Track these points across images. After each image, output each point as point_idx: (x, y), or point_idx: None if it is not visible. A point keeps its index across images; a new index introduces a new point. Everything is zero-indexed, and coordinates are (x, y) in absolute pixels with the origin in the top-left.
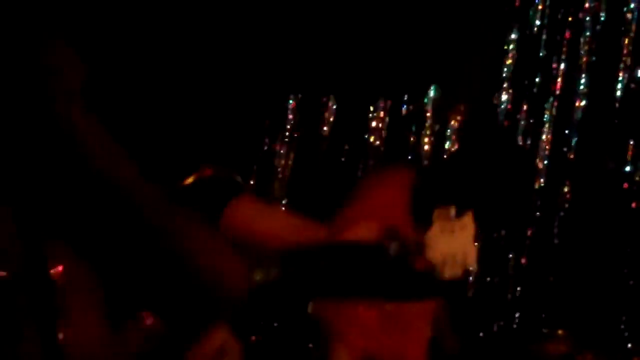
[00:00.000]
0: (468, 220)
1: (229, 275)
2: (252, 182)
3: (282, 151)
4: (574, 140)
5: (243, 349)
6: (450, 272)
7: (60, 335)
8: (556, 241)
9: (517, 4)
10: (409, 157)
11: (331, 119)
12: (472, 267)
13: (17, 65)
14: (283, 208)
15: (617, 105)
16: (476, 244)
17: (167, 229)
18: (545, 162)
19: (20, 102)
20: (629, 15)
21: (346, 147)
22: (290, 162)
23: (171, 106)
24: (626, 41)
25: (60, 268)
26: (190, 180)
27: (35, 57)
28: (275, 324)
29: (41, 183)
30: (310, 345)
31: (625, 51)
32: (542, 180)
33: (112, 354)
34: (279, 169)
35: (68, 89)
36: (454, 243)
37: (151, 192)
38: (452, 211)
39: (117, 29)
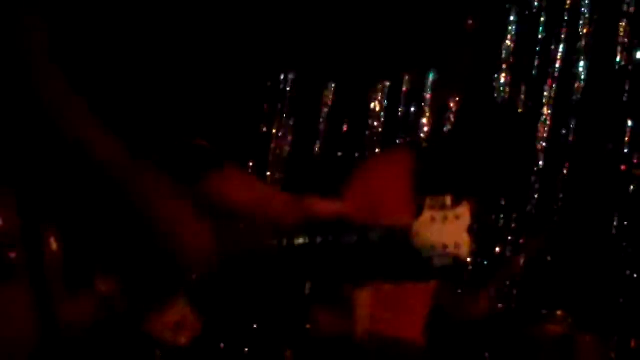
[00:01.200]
0: (464, 210)
1: (192, 245)
2: (250, 163)
3: (280, 132)
4: (572, 122)
5: (202, 323)
6: (439, 261)
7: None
8: (554, 222)
9: None
10: (409, 139)
11: (329, 101)
12: (464, 258)
13: None
14: (262, 182)
15: (615, 87)
16: (470, 234)
17: (132, 188)
18: (544, 143)
19: None
20: None
21: (345, 128)
22: (288, 143)
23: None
24: (624, 23)
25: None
26: (167, 148)
27: (6, 18)
28: (236, 300)
29: (11, 139)
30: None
31: (623, 33)
32: (540, 161)
33: (70, 315)
34: (277, 150)
35: (37, 47)
36: (445, 232)
37: (117, 149)
38: (448, 200)
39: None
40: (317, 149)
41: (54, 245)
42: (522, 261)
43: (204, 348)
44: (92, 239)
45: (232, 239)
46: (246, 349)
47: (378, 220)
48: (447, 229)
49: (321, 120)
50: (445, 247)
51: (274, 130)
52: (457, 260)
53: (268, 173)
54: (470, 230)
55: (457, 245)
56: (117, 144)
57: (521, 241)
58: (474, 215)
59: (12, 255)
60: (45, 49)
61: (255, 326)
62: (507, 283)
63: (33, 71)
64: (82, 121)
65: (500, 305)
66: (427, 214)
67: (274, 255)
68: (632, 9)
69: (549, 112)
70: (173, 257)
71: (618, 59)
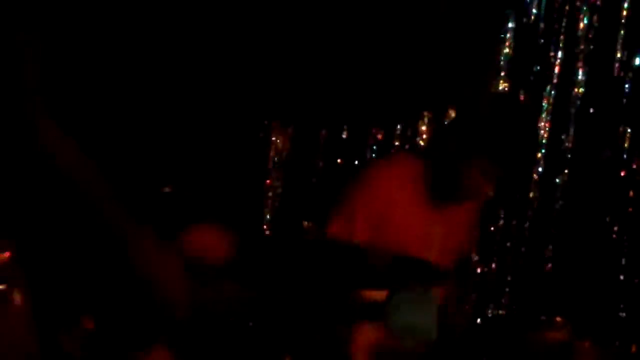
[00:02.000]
0: (434, 295)
1: (172, 291)
2: (249, 169)
3: (279, 139)
4: (571, 128)
5: None
6: (408, 342)
7: None
8: (554, 229)
9: None
10: (413, 146)
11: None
12: (432, 341)
13: None
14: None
15: (614, 93)
16: (437, 318)
17: (117, 232)
18: (543, 150)
19: None
20: (625, 4)
21: (345, 135)
22: (287, 149)
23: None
24: (623, 30)
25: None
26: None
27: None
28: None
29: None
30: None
31: (622, 39)
32: (539, 168)
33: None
34: (276, 158)
35: (29, 88)
36: (416, 315)
37: (107, 193)
38: (418, 287)
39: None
40: (317, 156)
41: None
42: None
43: None
44: (79, 280)
45: (206, 289)
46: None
47: (389, 229)
48: (418, 312)
49: (321, 127)
50: (414, 328)
51: (272, 138)
52: (427, 342)
53: (267, 182)
54: (440, 314)
55: (427, 330)
56: (110, 190)
57: (521, 250)
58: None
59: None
60: (38, 91)
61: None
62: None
63: (26, 124)
64: (80, 167)
65: (500, 311)
66: (400, 295)
67: (246, 305)
68: (631, 15)
69: (548, 118)
70: (153, 301)
71: (617, 65)
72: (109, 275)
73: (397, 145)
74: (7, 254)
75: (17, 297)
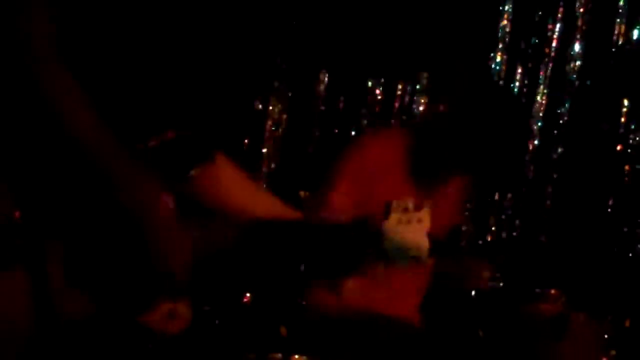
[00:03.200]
0: (424, 214)
1: (172, 251)
2: (245, 142)
3: (275, 109)
4: (568, 102)
5: (193, 312)
6: (400, 261)
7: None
8: (549, 202)
9: None
10: (404, 117)
11: (325, 80)
12: (424, 260)
13: None
14: (252, 182)
15: (612, 67)
16: (428, 237)
17: (121, 184)
18: (540, 123)
19: None
20: None
21: (340, 105)
22: (283, 121)
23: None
24: (621, 2)
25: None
26: (154, 142)
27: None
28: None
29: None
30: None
31: (620, 12)
32: (535, 141)
33: (66, 308)
34: (272, 128)
35: (40, 37)
36: (408, 235)
37: (110, 143)
38: (410, 203)
39: None
40: (313, 126)
41: (52, 239)
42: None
43: (197, 336)
44: (85, 236)
45: (217, 234)
46: (240, 328)
47: (372, 201)
48: (410, 232)
49: (317, 98)
50: (407, 248)
51: (269, 108)
52: (418, 261)
53: (264, 150)
54: (430, 233)
55: (418, 248)
56: (114, 141)
57: (516, 222)
58: (468, 194)
59: (12, 244)
60: (48, 37)
61: (248, 304)
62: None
63: (35, 59)
64: (84, 116)
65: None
66: (393, 216)
67: (257, 248)
68: None
69: (545, 91)
70: (156, 261)
71: (615, 38)
72: (112, 233)
73: (393, 117)
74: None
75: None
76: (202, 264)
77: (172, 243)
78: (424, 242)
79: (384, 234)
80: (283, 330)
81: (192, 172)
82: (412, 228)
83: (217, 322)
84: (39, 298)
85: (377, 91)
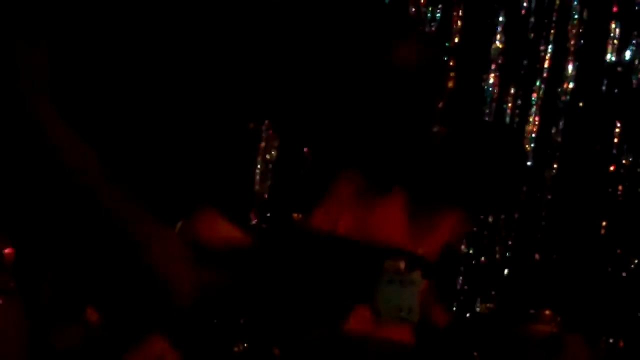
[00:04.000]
0: (417, 276)
1: (175, 280)
2: (236, 164)
3: (267, 130)
4: (561, 123)
5: (181, 358)
6: (391, 319)
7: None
8: (543, 223)
9: None
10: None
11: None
12: (414, 322)
13: None
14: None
15: (604, 88)
16: (419, 300)
17: (121, 224)
18: (533, 144)
19: None
20: None
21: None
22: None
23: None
24: (613, 24)
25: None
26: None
27: (2, 50)
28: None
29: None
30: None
31: (612, 34)
32: (529, 162)
33: (56, 343)
34: (266, 149)
35: (33, 80)
36: (400, 296)
37: (110, 186)
38: (402, 265)
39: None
40: (306, 147)
41: (45, 275)
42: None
43: None
44: (82, 271)
45: (208, 276)
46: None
47: (367, 227)
48: (402, 293)
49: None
50: (399, 310)
51: (262, 128)
52: (408, 323)
53: (256, 171)
54: (421, 296)
55: (409, 310)
56: (113, 182)
57: (509, 243)
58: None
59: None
60: (44, 84)
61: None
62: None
63: (29, 115)
64: (82, 161)
65: (488, 305)
66: (385, 276)
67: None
68: (621, 9)
69: (538, 112)
70: (159, 291)
71: (607, 59)
72: (113, 264)
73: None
74: (8, 250)
75: (14, 297)
76: (198, 307)
77: (173, 275)
78: (415, 305)
79: (376, 294)
80: (276, 351)
81: (178, 225)
82: (404, 290)
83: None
84: (32, 327)
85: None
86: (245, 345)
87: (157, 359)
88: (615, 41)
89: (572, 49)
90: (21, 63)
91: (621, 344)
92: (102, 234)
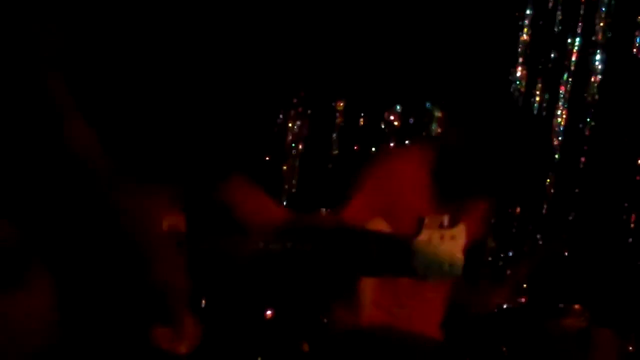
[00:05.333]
0: (459, 230)
1: (168, 278)
2: (265, 158)
3: (296, 126)
4: (589, 116)
5: (202, 331)
6: (434, 279)
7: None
8: (572, 216)
9: None
10: (425, 133)
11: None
12: (457, 277)
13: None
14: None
15: (632, 80)
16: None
17: (115, 207)
18: (560, 138)
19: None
20: None
21: (361, 122)
22: (303, 137)
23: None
24: None
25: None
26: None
27: (17, 28)
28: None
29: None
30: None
31: (639, 25)
32: (557, 155)
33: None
34: (293, 144)
35: (46, 57)
36: (441, 252)
37: (109, 170)
38: (446, 219)
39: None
40: (333, 143)
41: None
42: (535, 262)
43: (206, 355)
44: (80, 259)
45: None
46: (262, 343)
47: (395, 219)
48: (443, 249)
49: (337, 114)
50: (440, 266)
51: (289, 124)
52: (450, 277)
53: (284, 167)
54: (464, 250)
55: (451, 264)
56: (109, 165)
57: (538, 237)
58: (491, 212)
59: (23, 264)
60: (56, 61)
61: (270, 319)
62: (522, 281)
63: (41, 90)
64: (85, 140)
65: (519, 299)
66: (425, 233)
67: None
68: None
69: (565, 106)
70: (155, 286)
71: (635, 52)
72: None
73: (412, 132)
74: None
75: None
76: (222, 279)
77: (168, 263)
78: (458, 258)
79: (414, 251)
80: (305, 346)
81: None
82: (446, 244)
83: (234, 338)
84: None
85: (397, 107)
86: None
87: (176, 334)
88: None
89: (599, 42)
90: (38, 40)
91: None
92: (100, 223)
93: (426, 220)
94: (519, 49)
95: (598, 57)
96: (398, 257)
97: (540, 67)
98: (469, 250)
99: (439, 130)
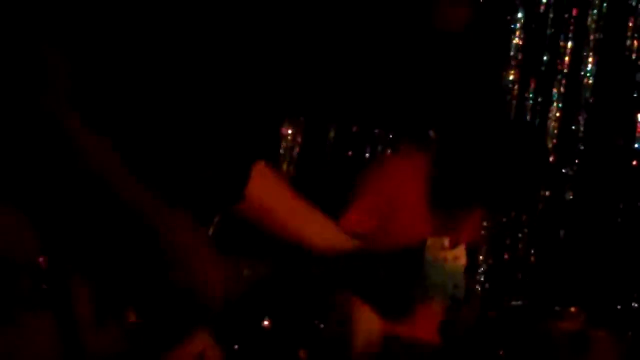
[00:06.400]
0: (460, 252)
1: (206, 282)
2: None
3: (290, 132)
4: (582, 119)
5: (224, 356)
6: (438, 300)
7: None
8: (566, 219)
9: None
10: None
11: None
12: (460, 298)
13: (10, 63)
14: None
15: (625, 82)
16: (465, 275)
17: (151, 224)
18: (554, 140)
19: (11, 97)
20: None
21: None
22: (298, 142)
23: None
24: (633, 18)
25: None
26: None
27: (26, 56)
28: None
29: (34, 176)
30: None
31: (632, 27)
32: (550, 158)
33: (96, 347)
34: (289, 150)
35: (58, 87)
36: (445, 274)
37: (140, 190)
38: (446, 242)
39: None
40: (327, 148)
41: (80, 277)
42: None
43: None
44: (117, 271)
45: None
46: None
47: (392, 227)
48: (447, 271)
49: (331, 119)
50: (445, 287)
51: (283, 130)
52: (454, 300)
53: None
54: (466, 271)
55: (455, 286)
56: (144, 187)
57: (535, 240)
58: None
59: (37, 285)
60: (68, 90)
61: (268, 328)
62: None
63: (55, 123)
64: (111, 165)
65: (514, 302)
66: (428, 255)
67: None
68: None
69: (559, 107)
70: (189, 293)
71: (627, 54)
72: (147, 268)
73: (407, 139)
74: (41, 258)
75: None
76: (235, 301)
77: (204, 274)
78: (461, 281)
79: (421, 273)
80: (302, 354)
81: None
82: (449, 267)
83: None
84: (66, 339)
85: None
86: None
87: (199, 356)
88: (635, 35)
89: (592, 44)
90: (48, 74)
91: None
92: (130, 233)
93: (428, 242)
94: (511, 53)
95: (590, 59)
96: (404, 278)
97: (532, 69)
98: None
99: (434, 136)
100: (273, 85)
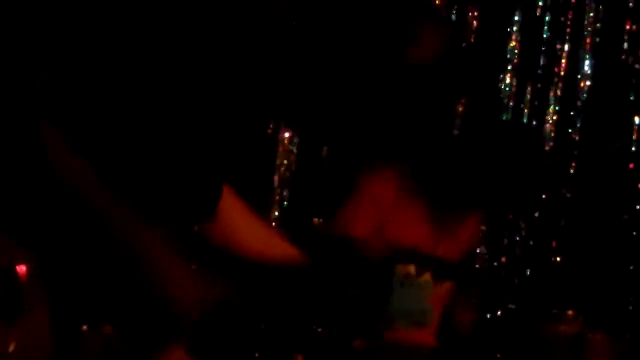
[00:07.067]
0: (427, 279)
1: (181, 296)
2: (252, 172)
3: (285, 136)
4: (579, 121)
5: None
6: (405, 326)
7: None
8: (563, 222)
9: None
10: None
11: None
12: (427, 325)
13: None
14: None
15: (622, 85)
16: (432, 303)
17: (125, 239)
18: (551, 143)
19: None
20: None
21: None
22: (295, 147)
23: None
24: (630, 21)
25: (24, 267)
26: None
27: (7, 73)
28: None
29: (11, 191)
30: None
31: (628, 31)
32: (548, 161)
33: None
34: (281, 158)
35: (37, 102)
36: (412, 300)
37: (114, 205)
38: (412, 269)
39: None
40: (324, 153)
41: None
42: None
43: None
44: (92, 285)
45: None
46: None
47: (388, 231)
48: (414, 297)
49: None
50: (411, 313)
51: (279, 134)
52: (422, 326)
53: (275, 177)
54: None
55: (423, 313)
56: (118, 199)
57: (530, 243)
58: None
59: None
60: (47, 105)
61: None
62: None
63: (34, 138)
64: (85, 180)
65: (510, 305)
66: (396, 281)
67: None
68: (637, 6)
69: (556, 109)
70: (164, 305)
71: (624, 56)
72: (121, 280)
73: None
74: (24, 266)
75: (37, 309)
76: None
77: (178, 289)
78: (429, 308)
79: (389, 297)
80: (299, 358)
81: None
82: (416, 293)
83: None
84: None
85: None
86: (265, 352)
87: None
88: (632, 38)
89: (588, 47)
90: (28, 86)
91: None
92: (104, 248)
93: (395, 269)
94: (508, 56)
95: (587, 62)
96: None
97: (529, 73)
98: (462, 260)
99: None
100: (268, 89)
